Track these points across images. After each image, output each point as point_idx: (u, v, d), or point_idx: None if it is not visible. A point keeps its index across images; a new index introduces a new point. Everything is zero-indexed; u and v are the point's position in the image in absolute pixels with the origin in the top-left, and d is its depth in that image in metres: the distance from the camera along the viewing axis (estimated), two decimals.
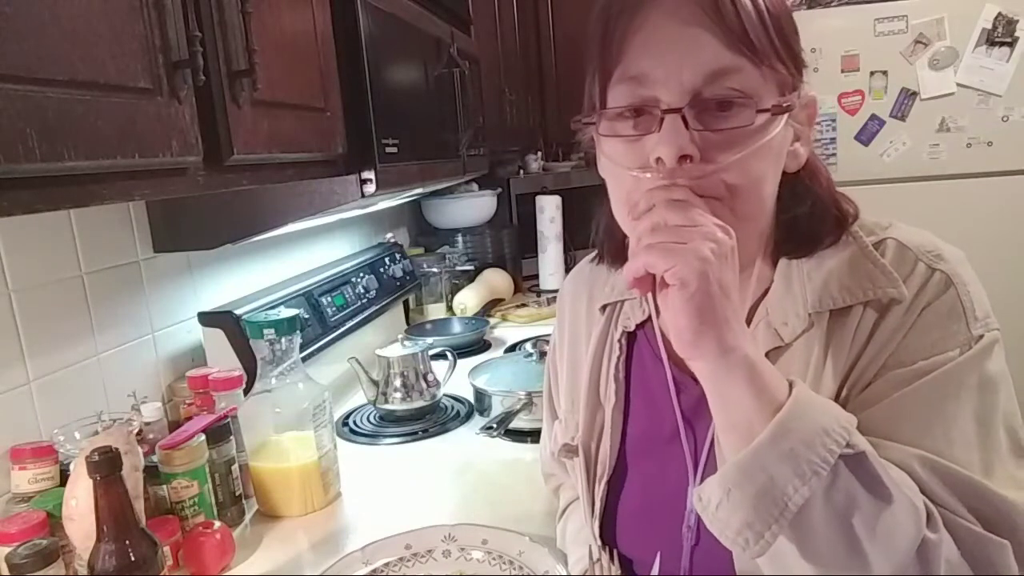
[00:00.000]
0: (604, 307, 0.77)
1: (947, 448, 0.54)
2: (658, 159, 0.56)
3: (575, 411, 0.78)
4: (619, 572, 0.72)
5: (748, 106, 0.56)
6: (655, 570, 0.67)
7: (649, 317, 0.72)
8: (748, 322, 0.64)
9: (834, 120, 2.60)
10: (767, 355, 0.60)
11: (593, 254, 0.81)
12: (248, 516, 1.10)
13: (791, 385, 0.53)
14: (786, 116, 0.58)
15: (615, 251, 0.76)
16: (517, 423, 1.27)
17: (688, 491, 0.66)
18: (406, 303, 2.12)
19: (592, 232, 0.78)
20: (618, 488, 0.72)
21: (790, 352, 0.61)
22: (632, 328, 0.74)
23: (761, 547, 0.50)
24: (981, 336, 0.57)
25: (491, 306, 2.24)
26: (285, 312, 1.10)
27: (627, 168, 0.59)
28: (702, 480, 0.64)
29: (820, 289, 0.61)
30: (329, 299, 1.54)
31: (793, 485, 0.49)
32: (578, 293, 0.83)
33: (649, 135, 0.57)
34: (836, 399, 0.59)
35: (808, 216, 0.65)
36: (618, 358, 0.73)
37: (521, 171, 2.72)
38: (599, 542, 0.73)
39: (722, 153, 0.55)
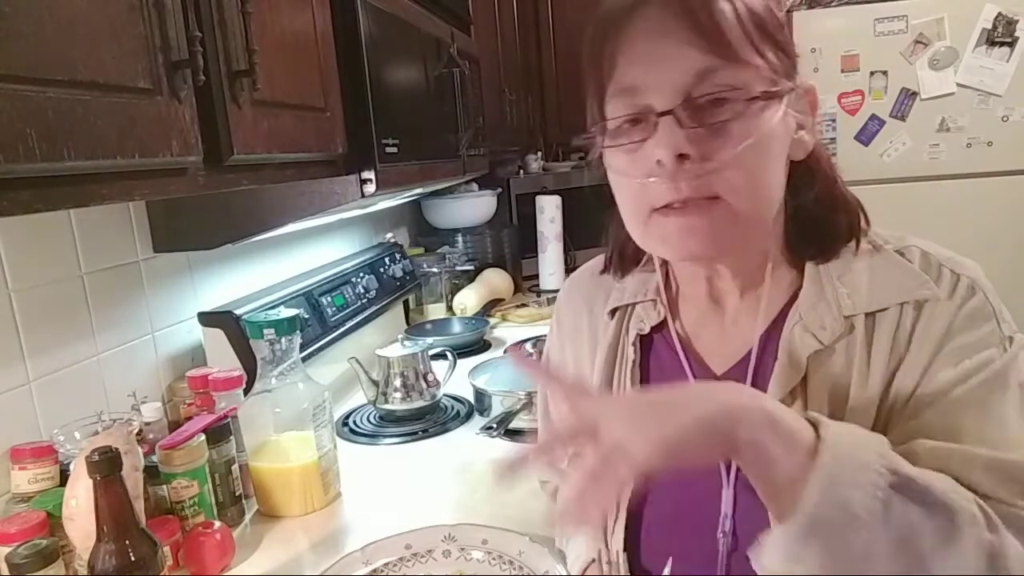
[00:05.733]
0: (614, 311, 0.76)
1: (1003, 444, 0.55)
2: (658, 161, 0.57)
3: None
4: (627, 572, 0.70)
5: (737, 97, 0.57)
6: (667, 570, 0.66)
7: (665, 320, 0.72)
8: (779, 326, 0.65)
9: (834, 120, 2.60)
10: (808, 359, 0.61)
11: (600, 261, 0.81)
12: (248, 516, 1.10)
13: (815, 426, 0.51)
14: (783, 106, 0.59)
15: (625, 260, 0.76)
16: (517, 423, 1.27)
17: (722, 493, 0.65)
18: (406, 303, 2.12)
19: (604, 241, 0.78)
20: (642, 495, 0.70)
21: (832, 356, 0.62)
22: (647, 331, 0.72)
23: None
24: (1011, 337, 0.60)
25: (491, 306, 2.24)
26: (285, 312, 1.10)
27: (631, 176, 0.61)
28: (736, 481, 0.64)
29: (854, 293, 0.63)
30: (329, 299, 1.54)
31: (854, 534, 0.47)
32: (576, 305, 0.81)
33: (647, 141, 0.59)
34: (882, 400, 0.60)
35: (815, 204, 0.66)
36: (633, 362, 0.72)
37: (521, 171, 2.72)
38: (610, 546, 0.71)
39: (720, 150, 0.57)
